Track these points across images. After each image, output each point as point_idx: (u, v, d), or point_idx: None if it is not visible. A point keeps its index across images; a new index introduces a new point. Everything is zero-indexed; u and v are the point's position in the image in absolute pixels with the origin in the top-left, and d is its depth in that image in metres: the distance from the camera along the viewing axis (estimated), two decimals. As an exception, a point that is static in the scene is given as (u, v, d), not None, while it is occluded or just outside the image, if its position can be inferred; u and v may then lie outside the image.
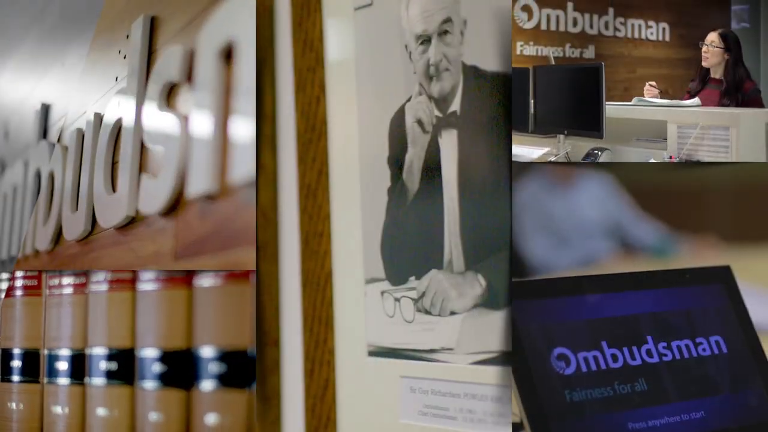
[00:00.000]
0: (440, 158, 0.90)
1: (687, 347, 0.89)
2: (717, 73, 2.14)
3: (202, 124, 0.91)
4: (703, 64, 2.15)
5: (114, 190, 1.11)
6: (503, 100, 0.84)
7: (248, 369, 0.88)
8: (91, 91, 1.24)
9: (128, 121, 1.08)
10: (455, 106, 0.88)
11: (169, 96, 1.01)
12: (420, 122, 0.91)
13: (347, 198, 0.98)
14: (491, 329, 0.85)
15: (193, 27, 0.97)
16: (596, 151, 1.96)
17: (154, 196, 0.99)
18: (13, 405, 1.21)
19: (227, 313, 0.89)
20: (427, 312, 0.90)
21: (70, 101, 1.32)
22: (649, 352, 0.87)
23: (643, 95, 2.20)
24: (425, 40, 0.90)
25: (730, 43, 2.10)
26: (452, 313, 0.88)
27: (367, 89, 0.96)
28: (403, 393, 0.93)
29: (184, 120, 0.96)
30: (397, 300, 0.93)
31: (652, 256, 1.82)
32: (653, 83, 2.23)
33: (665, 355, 0.88)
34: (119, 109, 1.12)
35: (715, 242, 1.74)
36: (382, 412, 0.95)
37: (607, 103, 2.03)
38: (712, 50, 2.10)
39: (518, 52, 2.43)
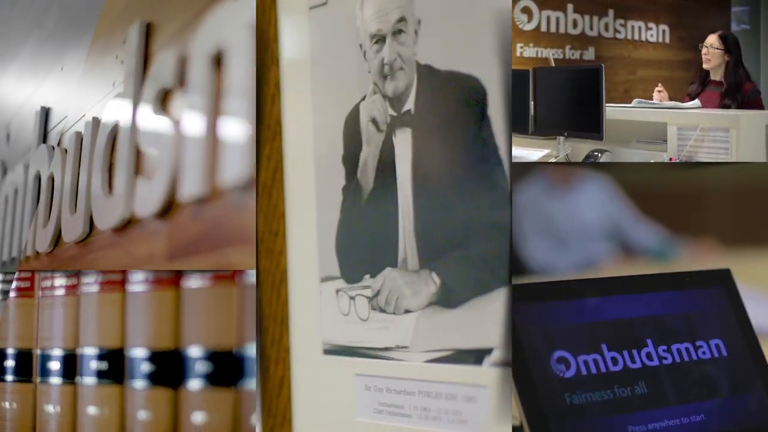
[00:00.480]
0: (395, 157, 0.89)
1: (687, 350, 0.89)
2: (717, 75, 2.14)
3: (194, 127, 0.92)
4: (704, 66, 2.14)
5: (111, 192, 1.12)
6: (457, 99, 0.84)
7: (235, 368, 0.88)
8: (90, 94, 1.25)
9: (124, 124, 1.09)
10: (409, 105, 0.88)
11: (163, 100, 1.02)
12: (374, 121, 0.91)
13: (302, 197, 0.98)
14: (446, 327, 0.85)
15: (187, 32, 0.97)
16: (596, 153, 1.96)
17: (148, 198, 1.00)
18: (7, 404, 1.23)
19: (214, 313, 0.90)
20: (382, 310, 0.90)
21: (70, 105, 1.33)
22: (649, 356, 0.87)
23: (642, 97, 2.19)
24: (380, 39, 0.90)
25: (730, 45, 2.09)
26: (407, 311, 0.88)
27: (322, 88, 0.96)
28: (359, 391, 0.93)
29: (177, 124, 0.96)
30: (352, 298, 0.93)
31: (653, 259, 1.82)
32: (661, 88, 2.23)
33: (665, 359, 0.88)
34: (116, 112, 1.12)
35: (715, 245, 1.74)
36: (338, 409, 0.95)
37: (607, 104, 2.03)
38: (712, 52, 2.09)
39: (518, 54, 2.44)
